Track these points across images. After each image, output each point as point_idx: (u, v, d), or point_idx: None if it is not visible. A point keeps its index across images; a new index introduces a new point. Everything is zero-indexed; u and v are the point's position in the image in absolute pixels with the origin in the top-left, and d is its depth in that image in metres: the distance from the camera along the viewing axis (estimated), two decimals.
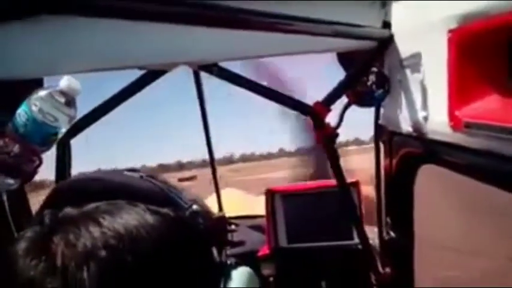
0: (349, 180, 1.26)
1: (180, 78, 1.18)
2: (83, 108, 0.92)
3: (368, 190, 1.41)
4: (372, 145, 1.15)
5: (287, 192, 1.64)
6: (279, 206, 1.62)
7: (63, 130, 0.73)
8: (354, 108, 1.01)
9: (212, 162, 1.73)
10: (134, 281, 0.38)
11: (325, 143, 0.98)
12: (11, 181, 0.72)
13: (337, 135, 0.98)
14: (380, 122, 1.07)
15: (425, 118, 0.79)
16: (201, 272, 0.44)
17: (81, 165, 1.16)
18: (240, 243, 1.58)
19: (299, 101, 0.97)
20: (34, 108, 0.69)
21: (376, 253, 1.27)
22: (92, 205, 0.41)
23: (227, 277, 0.46)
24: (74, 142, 1.04)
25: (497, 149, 0.59)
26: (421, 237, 1.09)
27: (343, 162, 1.04)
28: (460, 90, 0.66)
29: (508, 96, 0.61)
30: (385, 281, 1.23)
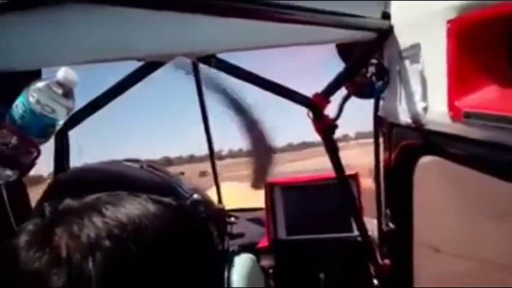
0: (348, 172, 1.25)
1: (167, 75, 1.20)
2: (81, 100, 0.92)
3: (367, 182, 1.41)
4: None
5: (286, 185, 1.64)
6: (278, 199, 1.62)
7: (61, 122, 0.73)
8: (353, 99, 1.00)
9: (212, 156, 1.74)
10: (139, 270, 0.38)
11: (324, 135, 0.98)
12: (9, 172, 0.72)
13: (336, 126, 0.98)
14: (379, 113, 1.07)
15: (425, 109, 0.78)
16: (205, 260, 0.44)
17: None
18: (240, 235, 1.58)
19: (298, 92, 0.97)
20: (32, 100, 0.68)
21: (376, 245, 1.27)
22: (93, 196, 0.41)
23: (230, 264, 0.46)
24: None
25: (497, 139, 0.59)
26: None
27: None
28: (460, 81, 0.65)
29: (507, 86, 0.60)
30: (385, 273, 1.23)
